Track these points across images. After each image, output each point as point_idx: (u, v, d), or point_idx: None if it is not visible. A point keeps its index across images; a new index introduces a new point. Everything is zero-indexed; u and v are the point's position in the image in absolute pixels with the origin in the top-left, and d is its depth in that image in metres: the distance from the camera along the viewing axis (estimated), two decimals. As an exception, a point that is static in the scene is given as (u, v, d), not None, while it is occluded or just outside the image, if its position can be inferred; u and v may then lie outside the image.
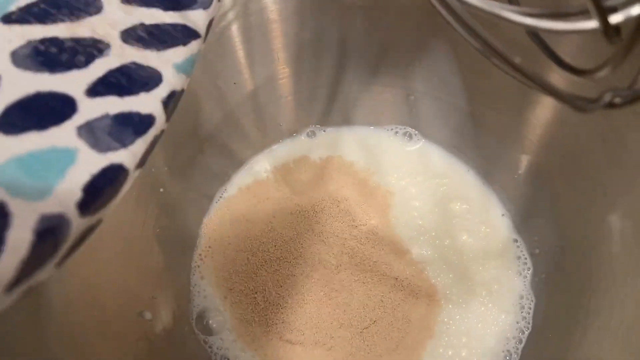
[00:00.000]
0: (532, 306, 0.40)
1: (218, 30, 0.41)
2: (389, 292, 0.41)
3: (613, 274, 0.34)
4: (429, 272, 0.42)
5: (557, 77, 0.30)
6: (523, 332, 0.39)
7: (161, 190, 0.41)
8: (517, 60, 0.19)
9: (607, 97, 0.18)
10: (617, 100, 0.18)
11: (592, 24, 0.17)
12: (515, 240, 0.43)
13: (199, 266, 0.43)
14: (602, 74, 0.18)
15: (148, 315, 0.35)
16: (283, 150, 0.49)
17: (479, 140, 0.46)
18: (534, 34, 0.23)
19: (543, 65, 0.24)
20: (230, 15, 0.41)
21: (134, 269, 0.36)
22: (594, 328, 0.34)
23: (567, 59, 0.22)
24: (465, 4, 0.17)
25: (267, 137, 0.49)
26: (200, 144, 0.44)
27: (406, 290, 0.41)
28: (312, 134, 0.50)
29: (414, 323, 0.40)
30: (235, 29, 0.42)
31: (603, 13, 0.16)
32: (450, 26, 0.23)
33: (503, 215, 0.45)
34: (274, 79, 0.46)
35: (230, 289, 0.41)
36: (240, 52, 0.43)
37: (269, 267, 0.42)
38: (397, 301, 0.40)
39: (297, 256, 0.43)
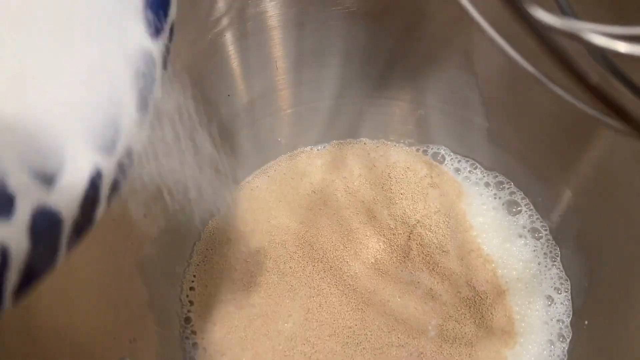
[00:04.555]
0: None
1: (211, 36, 0.37)
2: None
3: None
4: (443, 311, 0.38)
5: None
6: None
7: (144, 214, 0.37)
8: (594, 78, 0.15)
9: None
10: None
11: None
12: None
13: (189, 300, 0.38)
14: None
15: (128, 362, 0.31)
16: (281, 168, 0.45)
17: (496, 159, 0.42)
18: (602, 56, 0.18)
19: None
20: (225, 20, 0.37)
21: (112, 308, 0.32)
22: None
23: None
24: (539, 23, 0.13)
25: (264, 154, 0.45)
26: (189, 162, 0.40)
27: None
28: (314, 150, 0.46)
29: None
30: (229, 36, 0.38)
31: None
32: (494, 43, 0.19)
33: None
34: (272, 91, 0.42)
35: (225, 324, 0.37)
36: (235, 61, 0.39)
37: (269, 299, 0.38)
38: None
39: (298, 287, 0.38)
